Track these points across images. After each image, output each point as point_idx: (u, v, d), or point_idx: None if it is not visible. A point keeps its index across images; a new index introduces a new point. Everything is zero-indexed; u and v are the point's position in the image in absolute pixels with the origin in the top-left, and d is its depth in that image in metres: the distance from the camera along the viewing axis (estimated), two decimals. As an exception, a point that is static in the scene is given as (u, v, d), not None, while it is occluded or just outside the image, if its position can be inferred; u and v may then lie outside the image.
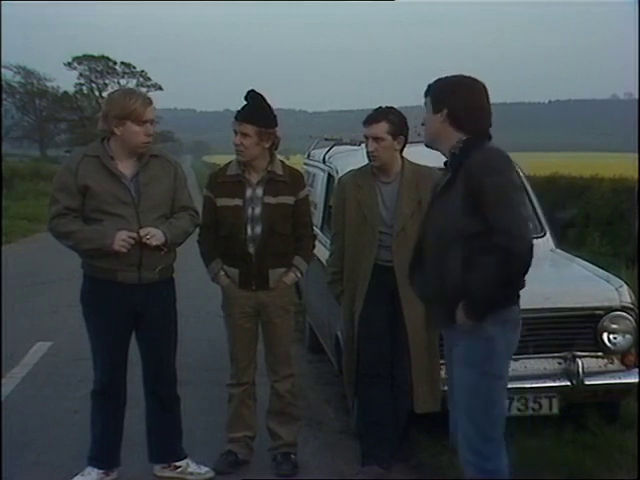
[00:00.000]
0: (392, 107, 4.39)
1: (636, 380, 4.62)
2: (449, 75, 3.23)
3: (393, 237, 4.31)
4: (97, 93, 60.33)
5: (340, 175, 5.15)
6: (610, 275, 4.95)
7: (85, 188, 3.97)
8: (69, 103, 60.74)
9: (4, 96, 52.07)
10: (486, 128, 3.18)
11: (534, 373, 4.55)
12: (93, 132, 26.64)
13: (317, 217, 6.02)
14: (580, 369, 4.51)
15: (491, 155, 3.06)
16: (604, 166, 17.66)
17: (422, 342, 4.28)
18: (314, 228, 4.71)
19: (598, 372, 4.60)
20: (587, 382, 4.53)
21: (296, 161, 9.53)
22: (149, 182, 4.06)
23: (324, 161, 6.42)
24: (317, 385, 6.09)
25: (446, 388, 3.50)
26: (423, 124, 3.30)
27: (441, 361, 4.15)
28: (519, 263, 2.97)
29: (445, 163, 3.25)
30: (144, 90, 44.77)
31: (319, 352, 6.43)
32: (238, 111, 4.29)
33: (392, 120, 4.29)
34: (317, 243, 4.69)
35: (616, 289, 4.70)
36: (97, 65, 60.94)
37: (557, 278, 5.17)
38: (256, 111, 4.26)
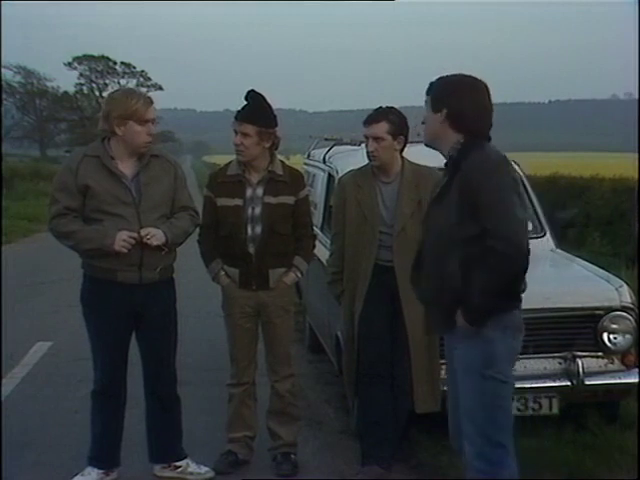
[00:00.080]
0: (392, 107, 4.39)
1: (636, 380, 4.62)
2: (451, 74, 3.21)
3: (393, 237, 4.31)
4: (97, 93, 60.30)
5: (340, 175, 5.15)
6: (610, 275, 4.95)
7: (85, 188, 3.97)
8: (69, 103, 60.70)
9: (4, 96, 52.04)
10: (486, 129, 3.16)
11: (534, 373, 4.55)
12: (93, 132, 26.63)
13: (317, 217, 6.02)
14: (580, 369, 4.51)
15: (488, 158, 3.03)
16: (604, 166, 17.66)
17: (422, 342, 4.28)
18: (314, 228, 4.72)
19: (598, 372, 4.60)
20: (587, 382, 4.53)
21: (296, 161, 9.52)
22: (149, 182, 4.06)
23: (324, 161, 6.42)
24: (317, 385, 6.08)
25: (446, 388, 3.50)
26: (423, 122, 3.29)
27: (441, 361, 4.15)
28: (515, 267, 2.95)
29: (445, 164, 3.25)
30: (144, 90, 44.69)
31: (319, 352, 6.43)
32: (238, 111, 4.29)
33: (392, 120, 4.29)
34: (317, 243, 4.69)
35: (616, 289, 4.70)
36: (97, 65, 60.92)
37: (557, 278, 5.18)
38: (256, 111, 4.26)
